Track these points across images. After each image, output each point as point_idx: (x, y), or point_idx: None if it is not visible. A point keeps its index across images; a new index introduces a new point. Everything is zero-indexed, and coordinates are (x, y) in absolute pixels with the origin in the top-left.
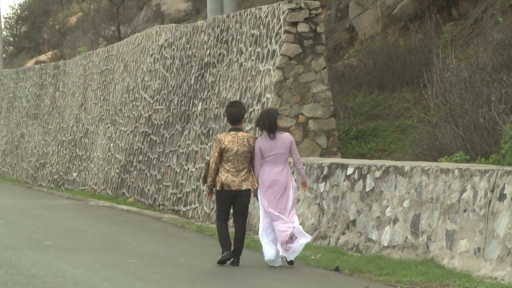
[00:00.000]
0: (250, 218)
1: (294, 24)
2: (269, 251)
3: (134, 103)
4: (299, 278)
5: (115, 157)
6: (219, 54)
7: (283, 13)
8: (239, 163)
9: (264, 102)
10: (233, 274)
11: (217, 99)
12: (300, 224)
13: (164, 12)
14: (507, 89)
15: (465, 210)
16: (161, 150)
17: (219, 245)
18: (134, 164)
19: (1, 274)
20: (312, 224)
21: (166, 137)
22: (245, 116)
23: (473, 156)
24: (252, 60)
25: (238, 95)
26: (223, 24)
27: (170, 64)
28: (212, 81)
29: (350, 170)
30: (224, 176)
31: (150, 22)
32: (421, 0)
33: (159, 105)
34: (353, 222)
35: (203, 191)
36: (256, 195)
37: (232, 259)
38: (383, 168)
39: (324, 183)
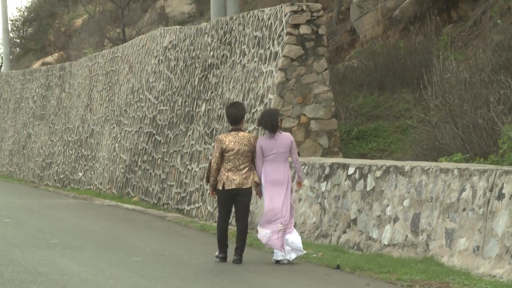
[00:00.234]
0: (253, 217)
1: (296, 26)
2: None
3: (138, 104)
4: (301, 276)
5: (120, 157)
6: (222, 56)
7: (285, 15)
8: (240, 162)
9: (267, 103)
10: (235, 272)
11: (221, 100)
12: (302, 223)
13: (168, 14)
14: (506, 90)
15: (464, 209)
16: (165, 150)
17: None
18: (139, 164)
19: (8, 272)
20: (314, 223)
21: (170, 137)
22: (248, 117)
23: (472, 156)
24: (255, 61)
25: (241, 96)
26: (226, 26)
27: (174, 65)
28: (215, 82)
29: (351, 170)
30: (225, 175)
31: (154, 24)
32: (421, 2)
33: (163, 106)
34: (354, 221)
35: (207, 190)
36: (258, 193)
37: (225, 257)
38: (384, 168)
39: (325, 182)
